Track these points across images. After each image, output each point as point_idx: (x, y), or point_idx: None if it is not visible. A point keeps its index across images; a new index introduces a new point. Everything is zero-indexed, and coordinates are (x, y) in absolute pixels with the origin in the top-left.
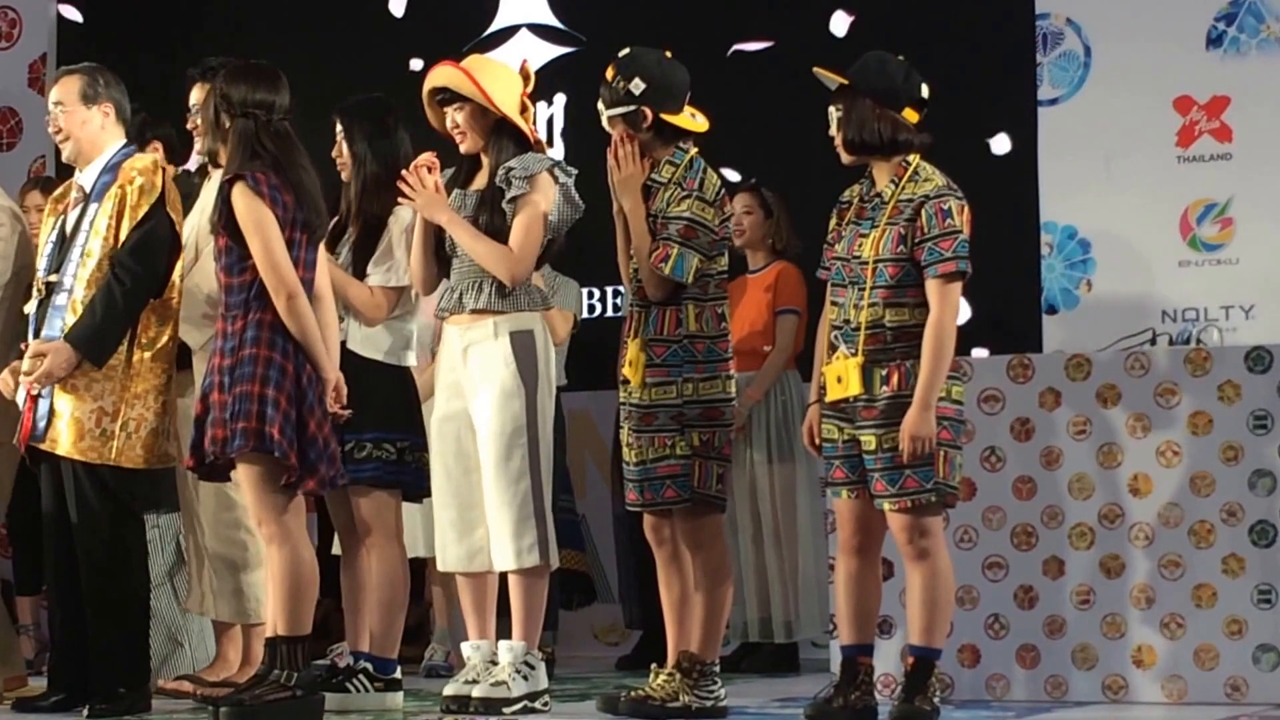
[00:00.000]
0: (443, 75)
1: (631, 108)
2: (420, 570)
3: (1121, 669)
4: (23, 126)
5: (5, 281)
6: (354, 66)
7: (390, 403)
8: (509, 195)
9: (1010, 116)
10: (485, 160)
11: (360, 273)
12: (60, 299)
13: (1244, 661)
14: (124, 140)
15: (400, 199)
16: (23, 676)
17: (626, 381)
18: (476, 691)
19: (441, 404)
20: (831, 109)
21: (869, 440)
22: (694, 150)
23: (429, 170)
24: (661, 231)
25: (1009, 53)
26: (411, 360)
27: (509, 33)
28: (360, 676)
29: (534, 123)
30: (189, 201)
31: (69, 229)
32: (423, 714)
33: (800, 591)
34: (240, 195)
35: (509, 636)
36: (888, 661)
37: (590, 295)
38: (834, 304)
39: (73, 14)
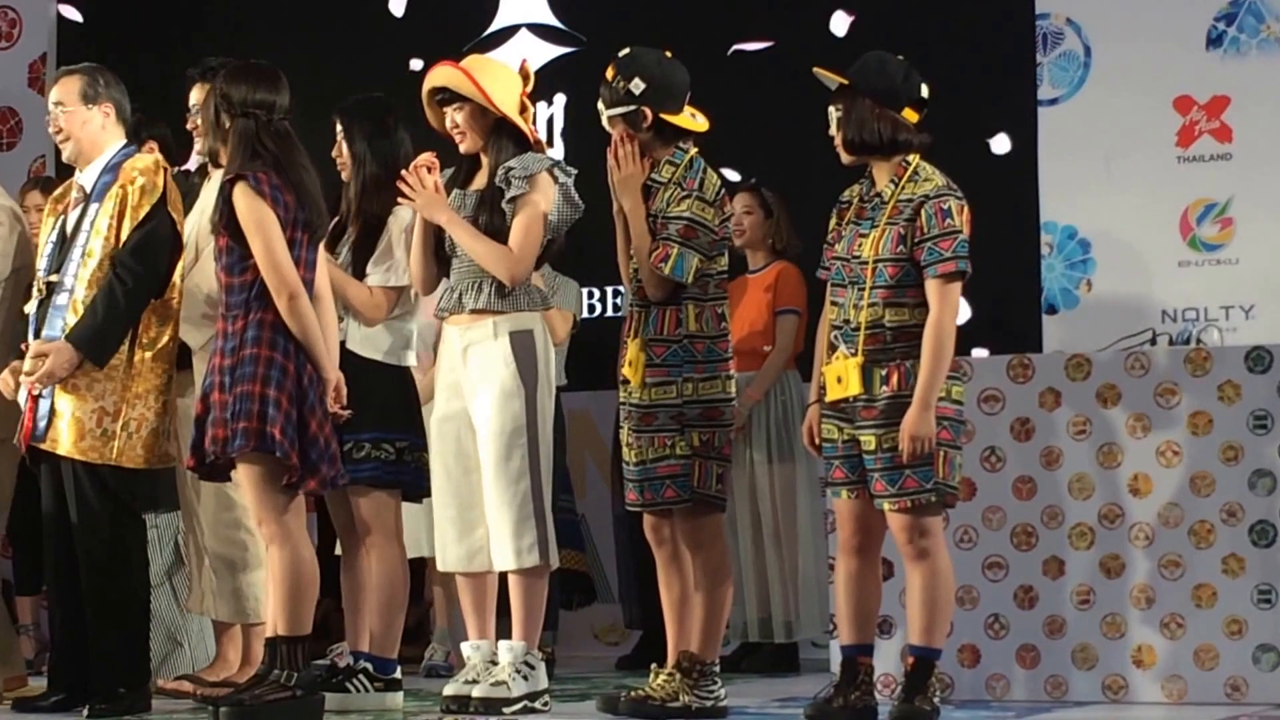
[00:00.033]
0: (442, 75)
1: (631, 108)
2: (420, 570)
3: (1121, 669)
4: (23, 126)
5: (4, 278)
6: (354, 66)
7: (389, 403)
8: (508, 195)
9: (1010, 116)
10: (485, 160)
11: (360, 273)
12: (61, 299)
13: (1244, 661)
14: (124, 140)
15: (400, 199)
16: (23, 676)
17: (626, 381)
18: (476, 691)
19: (441, 404)
20: (831, 109)
21: (869, 440)
22: (694, 150)
23: (428, 170)
24: (661, 231)
25: (1009, 53)
26: (411, 360)
27: (509, 33)
28: (360, 676)
29: (534, 123)
30: (187, 201)
31: (69, 229)
32: (423, 714)
33: (800, 591)
34: (241, 195)
35: (509, 636)
36: (888, 661)
37: (590, 295)
38: (834, 304)
39: (73, 14)
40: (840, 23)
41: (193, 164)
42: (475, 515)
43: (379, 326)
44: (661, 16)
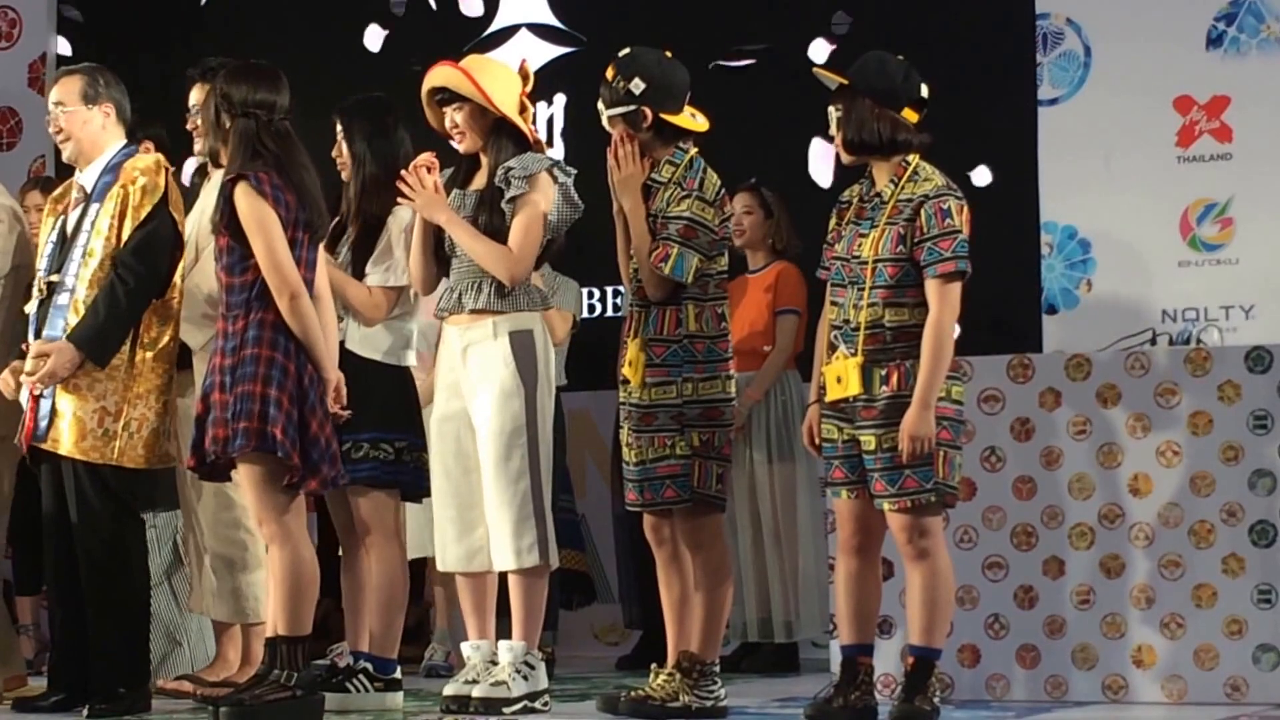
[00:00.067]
0: (442, 75)
1: (631, 107)
2: (420, 570)
3: (1121, 669)
4: (23, 126)
5: (4, 275)
6: (354, 66)
7: (388, 403)
8: (508, 195)
9: (1010, 116)
10: (484, 160)
11: (359, 272)
12: (62, 299)
13: (1244, 661)
14: (124, 140)
15: (399, 199)
16: (22, 676)
17: (626, 381)
18: (476, 691)
19: (441, 404)
20: (831, 109)
21: (868, 440)
22: (694, 150)
23: (428, 170)
24: (661, 231)
25: (1009, 53)
26: (411, 360)
27: (509, 33)
28: (360, 676)
29: (533, 122)
30: (186, 201)
31: (69, 229)
32: (423, 714)
33: (800, 591)
34: (243, 195)
35: (509, 636)
36: (888, 661)
37: (590, 295)
38: (834, 304)
39: (73, 14)
40: (820, 49)
41: (192, 164)
42: (475, 515)
43: (378, 326)
44: (661, 17)
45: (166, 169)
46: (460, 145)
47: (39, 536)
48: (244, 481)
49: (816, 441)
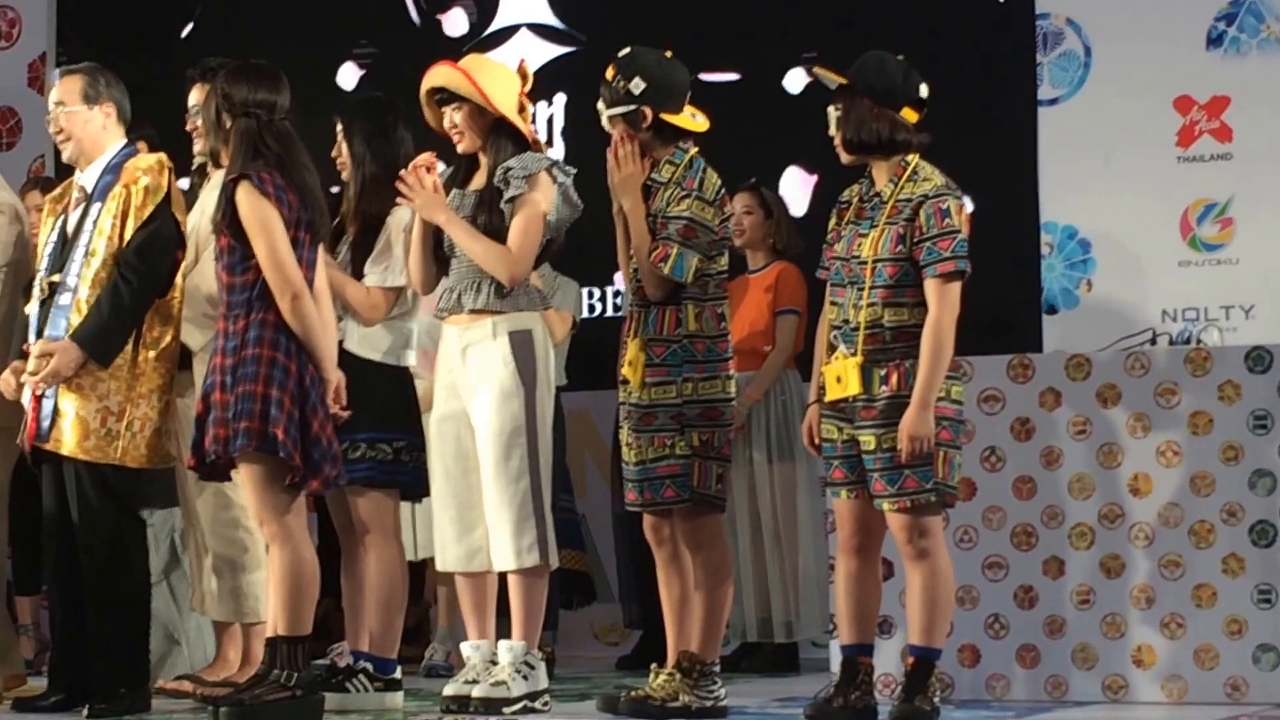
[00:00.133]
0: (440, 75)
1: (631, 107)
2: (420, 570)
3: (1121, 669)
4: (22, 126)
5: (2, 264)
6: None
7: (387, 403)
8: (507, 195)
9: (1010, 116)
10: (483, 160)
11: (359, 273)
12: (64, 299)
13: (1244, 661)
14: (125, 140)
15: (399, 199)
16: (22, 675)
17: (626, 381)
18: (476, 691)
19: (440, 404)
20: (831, 109)
21: (868, 440)
22: (694, 150)
23: (427, 170)
24: (661, 231)
25: (1009, 53)
26: (411, 360)
27: (509, 32)
28: (360, 676)
29: (532, 122)
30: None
31: (70, 229)
32: (423, 714)
33: (800, 591)
34: (245, 195)
35: (509, 636)
36: (888, 661)
37: (590, 295)
38: (833, 304)
39: (73, 14)
40: (796, 80)
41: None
42: (475, 515)
43: (378, 326)
44: (661, 17)
45: (169, 168)
46: (459, 145)
47: (39, 536)
48: (245, 481)
49: (816, 441)
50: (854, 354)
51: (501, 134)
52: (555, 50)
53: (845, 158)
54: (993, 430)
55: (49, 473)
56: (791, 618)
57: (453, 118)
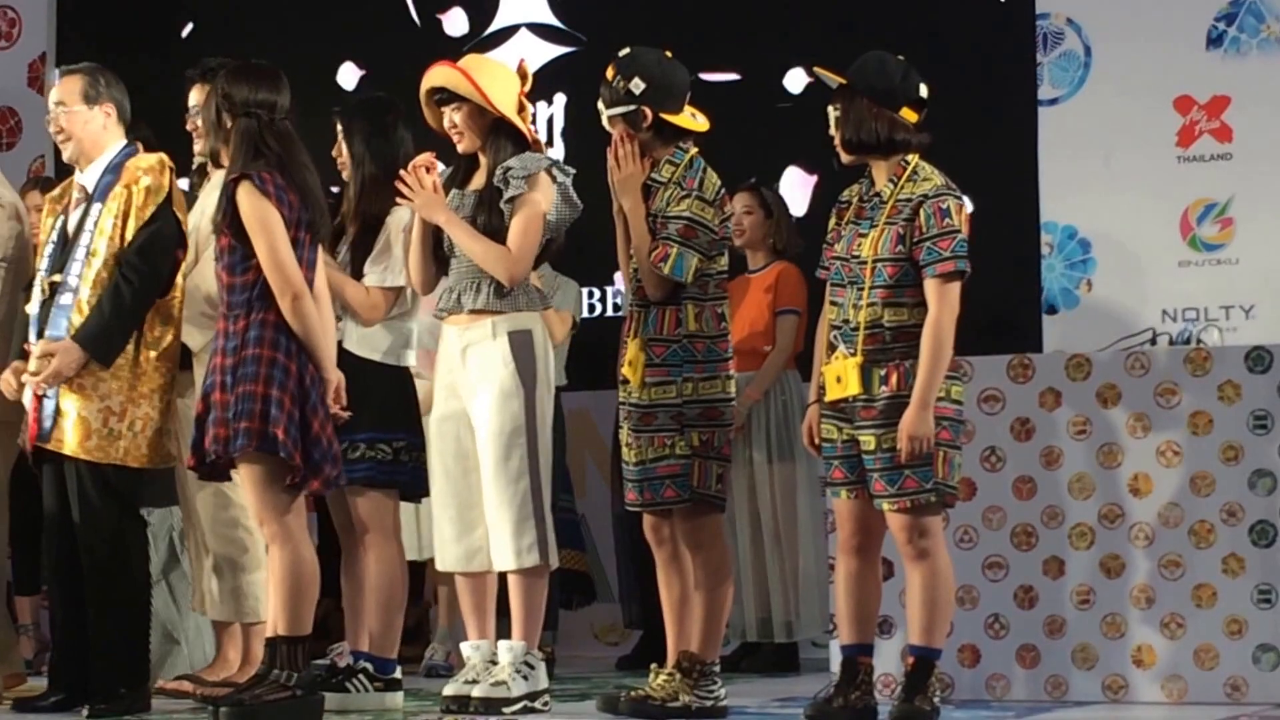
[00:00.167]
0: (440, 75)
1: (631, 107)
2: (420, 570)
3: (1121, 669)
4: (22, 126)
5: (2, 258)
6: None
7: (386, 403)
8: (507, 195)
9: (1010, 116)
10: (483, 160)
11: (359, 273)
12: (65, 299)
13: (1244, 661)
14: (125, 140)
15: (398, 199)
16: (21, 675)
17: (626, 381)
18: (476, 691)
19: (440, 404)
20: (830, 109)
21: (868, 440)
22: (694, 150)
23: (427, 170)
24: (661, 231)
25: (1009, 53)
26: (411, 360)
27: (509, 32)
28: (360, 676)
29: (532, 122)
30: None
31: (71, 229)
32: (423, 714)
33: (800, 591)
34: (246, 194)
35: (509, 636)
36: (888, 661)
37: (590, 295)
38: (833, 304)
39: (73, 14)
40: (796, 80)
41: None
42: (475, 515)
43: (377, 326)
44: (661, 17)
45: (170, 168)
46: (459, 145)
47: (39, 536)
48: (245, 481)
49: (816, 441)
50: (854, 354)
51: (501, 134)
52: (555, 50)
53: (845, 157)
54: (993, 430)
55: (50, 473)
56: (791, 618)
57: (452, 118)
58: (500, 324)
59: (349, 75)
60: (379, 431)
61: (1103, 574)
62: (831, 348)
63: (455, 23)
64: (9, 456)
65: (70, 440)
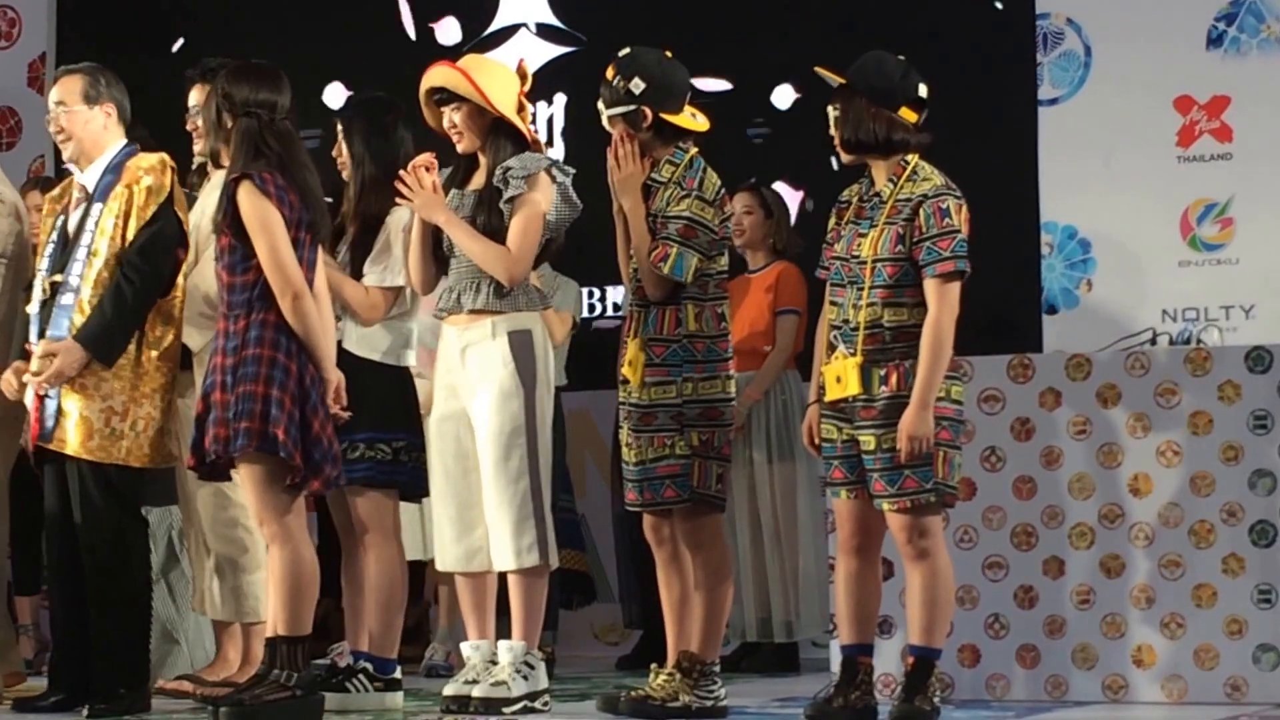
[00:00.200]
0: (440, 75)
1: (631, 107)
2: (420, 570)
3: (1121, 669)
4: (22, 126)
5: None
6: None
7: (386, 403)
8: (507, 195)
9: (1010, 116)
10: (483, 160)
11: (358, 273)
12: (66, 299)
13: (1244, 661)
14: (125, 140)
15: (398, 199)
16: (20, 674)
17: (626, 381)
18: (476, 691)
19: (440, 404)
20: (830, 108)
21: (868, 440)
22: (694, 150)
23: (426, 170)
24: (661, 231)
25: (1009, 53)
26: (410, 360)
27: (509, 32)
28: (360, 676)
29: (532, 122)
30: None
31: (71, 229)
32: (423, 714)
33: (800, 591)
34: (247, 194)
35: (509, 636)
36: (888, 661)
37: (590, 295)
38: (833, 304)
39: (73, 14)
40: (784, 96)
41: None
42: (474, 515)
43: (377, 326)
44: (661, 17)
45: (171, 168)
46: (458, 145)
47: (39, 536)
48: (245, 481)
49: (816, 441)
50: (854, 354)
51: (501, 134)
52: (555, 50)
53: (844, 157)
54: (993, 430)
55: (52, 473)
56: (791, 618)
57: (452, 118)
58: (500, 324)
59: (336, 94)
60: (379, 431)
61: (1103, 574)
62: (831, 348)
63: (448, 31)
64: (9, 456)
65: (73, 440)
